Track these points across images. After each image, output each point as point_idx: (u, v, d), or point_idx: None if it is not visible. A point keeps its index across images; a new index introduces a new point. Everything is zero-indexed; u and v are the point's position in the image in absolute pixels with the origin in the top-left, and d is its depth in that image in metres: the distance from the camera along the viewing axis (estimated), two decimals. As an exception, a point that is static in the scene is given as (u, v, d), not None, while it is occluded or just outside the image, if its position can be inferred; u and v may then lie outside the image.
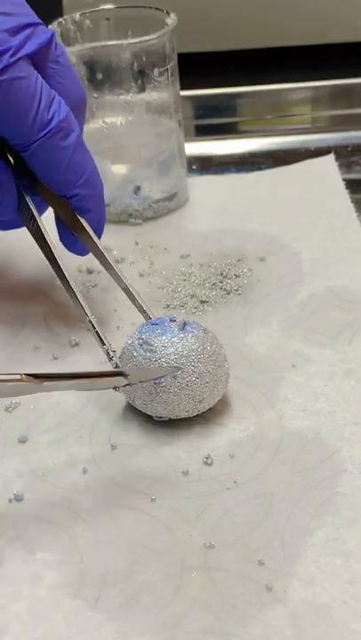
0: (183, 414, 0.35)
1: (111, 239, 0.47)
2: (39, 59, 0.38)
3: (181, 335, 0.35)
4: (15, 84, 0.36)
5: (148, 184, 0.51)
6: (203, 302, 0.44)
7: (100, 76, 0.48)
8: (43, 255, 0.48)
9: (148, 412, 0.36)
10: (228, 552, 0.31)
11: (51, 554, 0.31)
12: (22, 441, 0.36)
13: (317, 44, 0.67)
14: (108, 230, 0.43)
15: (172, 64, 0.49)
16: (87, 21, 0.50)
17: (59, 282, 0.45)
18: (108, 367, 0.36)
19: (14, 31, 0.36)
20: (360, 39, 0.67)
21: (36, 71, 0.37)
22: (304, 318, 0.42)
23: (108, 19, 0.51)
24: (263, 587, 0.29)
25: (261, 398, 0.37)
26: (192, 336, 0.35)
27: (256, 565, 0.30)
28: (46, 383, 0.31)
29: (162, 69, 0.49)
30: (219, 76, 0.66)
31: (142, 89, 0.49)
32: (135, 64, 0.48)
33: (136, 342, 0.35)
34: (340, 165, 0.55)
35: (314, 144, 0.59)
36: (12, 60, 0.36)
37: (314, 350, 0.40)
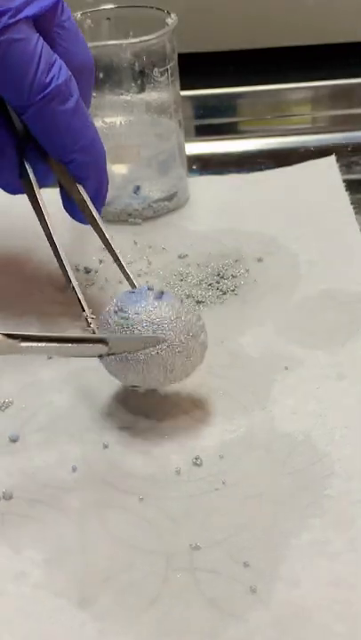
0: (154, 384, 0.35)
1: (110, 238, 0.47)
2: (44, 21, 0.37)
3: (156, 304, 0.35)
4: (13, 46, 0.36)
5: (147, 184, 0.51)
6: (198, 302, 0.44)
7: (100, 76, 0.48)
8: (39, 254, 0.48)
9: (123, 382, 0.36)
10: (213, 553, 0.31)
11: (37, 552, 0.31)
12: (13, 440, 0.36)
13: (317, 44, 0.67)
14: (107, 230, 0.43)
15: (173, 64, 0.49)
16: (88, 21, 0.50)
17: (54, 281, 0.46)
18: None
19: None
20: (360, 39, 0.67)
21: (37, 34, 0.37)
22: (299, 320, 0.42)
23: (109, 18, 0.51)
24: (247, 588, 0.29)
25: (252, 400, 0.37)
26: (166, 304, 0.35)
27: (241, 567, 0.30)
28: (24, 344, 0.30)
29: (162, 69, 0.49)
30: (219, 76, 0.66)
31: (142, 89, 0.49)
32: (136, 64, 0.48)
33: (112, 309, 0.36)
34: (341, 166, 0.55)
35: (314, 144, 0.59)
36: (10, 21, 0.36)
37: (307, 353, 0.40)
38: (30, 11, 0.36)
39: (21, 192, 0.41)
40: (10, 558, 0.31)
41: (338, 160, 0.55)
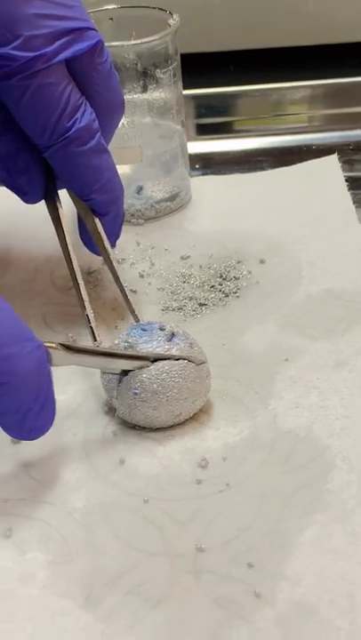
0: (160, 425, 0.36)
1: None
2: (79, 62, 0.38)
3: (166, 347, 0.35)
4: (42, 90, 0.36)
5: (150, 184, 0.51)
6: (201, 305, 0.44)
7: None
8: (43, 254, 0.49)
9: (127, 420, 0.36)
10: (217, 554, 0.31)
11: (42, 553, 0.31)
12: (16, 442, 0.36)
13: (317, 44, 0.67)
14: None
15: (175, 64, 0.49)
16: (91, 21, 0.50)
17: (58, 281, 0.46)
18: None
19: (56, 36, 0.36)
20: (359, 39, 0.67)
21: (67, 77, 0.37)
22: (300, 316, 0.42)
23: (111, 18, 0.51)
24: (252, 589, 0.29)
25: (255, 398, 0.37)
26: (177, 349, 0.35)
27: (245, 568, 0.30)
28: (76, 356, 0.33)
29: (164, 70, 0.49)
30: (219, 76, 0.66)
31: (145, 89, 0.49)
32: (138, 64, 0.48)
33: (122, 344, 0.36)
34: (342, 164, 0.55)
35: (316, 143, 0.59)
36: (43, 66, 0.36)
37: (307, 343, 0.40)
38: (64, 55, 0.37)
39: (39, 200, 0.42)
40: (15, 560, 0.31)
41: (340, 159, 0.55)
